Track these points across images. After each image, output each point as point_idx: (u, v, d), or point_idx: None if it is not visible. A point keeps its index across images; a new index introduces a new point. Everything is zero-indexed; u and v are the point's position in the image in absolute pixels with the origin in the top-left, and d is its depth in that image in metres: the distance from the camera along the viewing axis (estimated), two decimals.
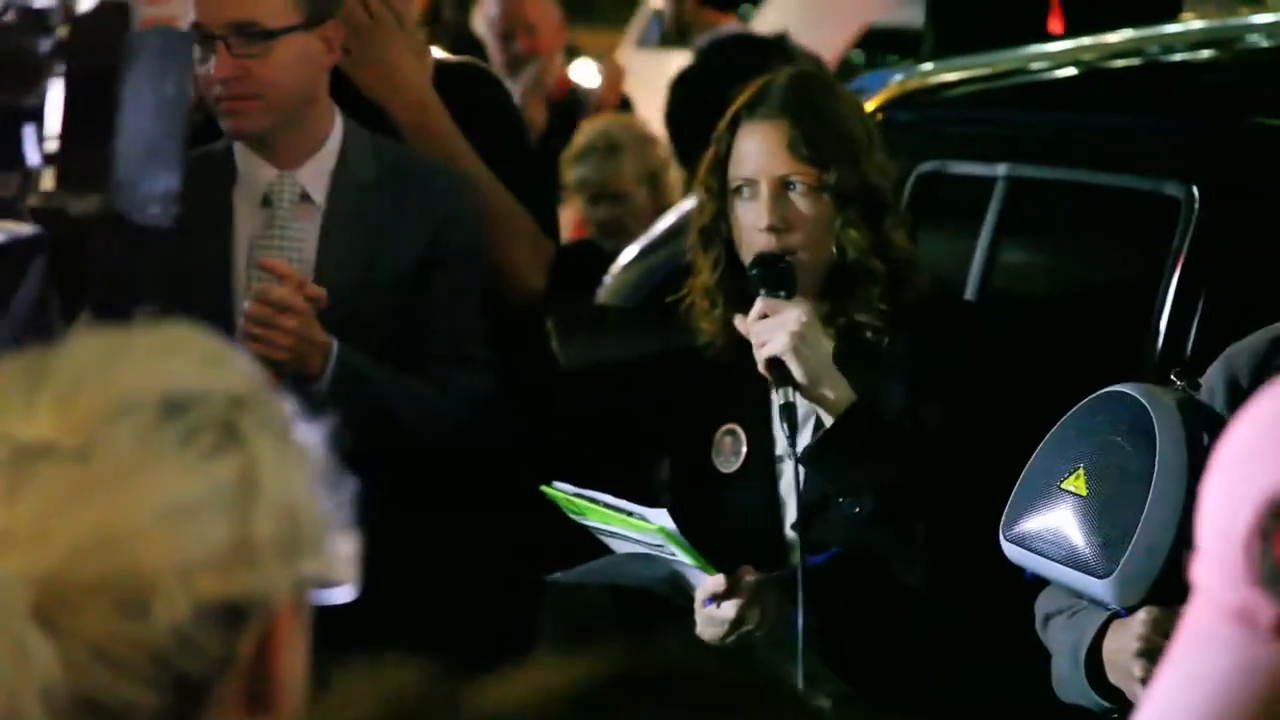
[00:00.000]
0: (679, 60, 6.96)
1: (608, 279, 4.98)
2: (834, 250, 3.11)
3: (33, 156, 1.64)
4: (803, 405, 3.05)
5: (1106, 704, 2.64)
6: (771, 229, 3.08)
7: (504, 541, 3.81)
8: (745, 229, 3.13)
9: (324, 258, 3.47)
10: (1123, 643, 2.57)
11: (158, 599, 1.26)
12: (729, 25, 7.07)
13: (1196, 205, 3.33)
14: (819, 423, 3.09)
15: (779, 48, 7.18)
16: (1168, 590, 2.52)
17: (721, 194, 3.17)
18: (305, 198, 3.50)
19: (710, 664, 1.07)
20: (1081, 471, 2.61)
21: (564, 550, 3.28)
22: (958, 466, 2.99)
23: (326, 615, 1.39)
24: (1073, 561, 2.59)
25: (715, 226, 3.18)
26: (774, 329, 3.02)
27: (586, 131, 5.97)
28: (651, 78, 7.86)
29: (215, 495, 1.29)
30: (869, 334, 3.12)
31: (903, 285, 3.13)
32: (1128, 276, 3.90)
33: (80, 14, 1.64)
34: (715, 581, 3.01)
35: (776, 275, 3.07)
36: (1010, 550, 2.71)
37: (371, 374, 3.40)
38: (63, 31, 1.63)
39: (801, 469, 3.02)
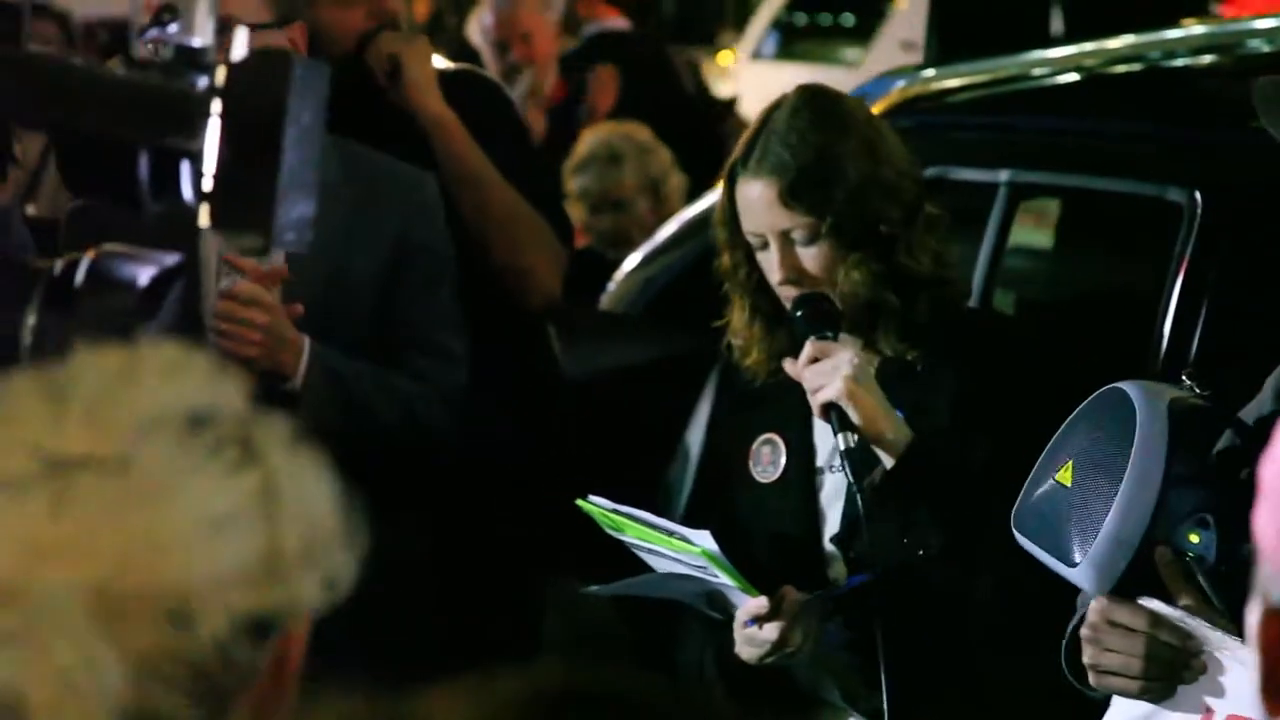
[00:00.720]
0: (792, 73, 7.06)
1: (610, 286, 4.97)
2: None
3: (189, 195, 1.65)
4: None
5: (1089, 691, 2.66)
6: (785, 282, 3.05)
7: (507, 547, 3.81)
8: (769, 278, 3.09)
9: (292, 262, 3.44)
10: (1082, 631, 2.60)
11: (200, 611, 1.26)
12: (615, 22, 7.58)
13: (1199, 210, 3.33)
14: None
15: (654, 54, 7.55)
16: (1141, 580, 2.53)
17: (735, 244, 3.13)
18: None
19: (652, 688, 1.06)
20: (1070, 463, 2.63)
21: (560, 551, 3.27)
22: (1008, 484, 2.95)
23: (320, 624, 1.39)
24: (1054, 549, 2.61)
25: (736, 274, 3.14)
26: (828, 374, 2.96)
27: (588, 141, 5.98)
28: (765, 89, 7.92)
29: (244, 508, 1.30)
30: (909, 356, 3.07)
31: (934, 305, 3.08)
32: (1130, 282, 3.91)
33: (240, 59, 1.65)
34: (758, 604, 2.97)
35: (821, 317, 3.03)
36: (1018, 538, 2.73)
37: (347, 371, 3.35)
38: (220, 74, 1.64)
39: (858, 496, 2.95)
